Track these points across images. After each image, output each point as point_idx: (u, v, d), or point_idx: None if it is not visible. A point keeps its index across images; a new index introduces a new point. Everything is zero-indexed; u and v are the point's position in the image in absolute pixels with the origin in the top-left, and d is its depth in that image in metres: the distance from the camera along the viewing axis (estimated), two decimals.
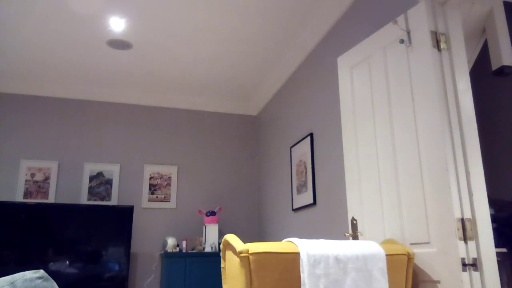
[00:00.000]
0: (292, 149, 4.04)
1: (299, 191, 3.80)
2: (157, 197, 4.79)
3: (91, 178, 4.64)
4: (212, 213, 4.54)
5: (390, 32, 2.30)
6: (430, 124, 2.00)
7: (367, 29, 2.84)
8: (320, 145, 3.46)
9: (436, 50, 2.06)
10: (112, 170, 4.72)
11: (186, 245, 4.48)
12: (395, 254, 1.85)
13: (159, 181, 4.84)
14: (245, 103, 5.32)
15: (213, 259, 4.29)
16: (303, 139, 3.78)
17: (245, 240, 4.87)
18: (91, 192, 4.60)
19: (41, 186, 4.47)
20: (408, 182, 2.09)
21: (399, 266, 1.85)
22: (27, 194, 4.42)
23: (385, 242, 2.12)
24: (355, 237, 2.37)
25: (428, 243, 1.94)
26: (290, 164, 4.10)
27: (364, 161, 2.41)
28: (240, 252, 1.59)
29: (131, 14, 3.42)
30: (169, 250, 4.33)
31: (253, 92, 5.03)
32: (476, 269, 1.81)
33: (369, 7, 2.87)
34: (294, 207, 3.87)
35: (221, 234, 4.78)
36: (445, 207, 1.87)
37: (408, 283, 1.87)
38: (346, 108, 2.61)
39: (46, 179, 4.51)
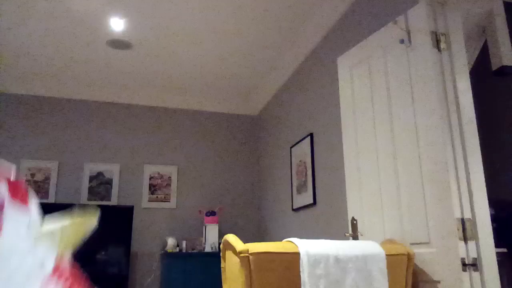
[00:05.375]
0: (292, 149, 4.03)
1: (299, 191, 3.80)
2: (157, 197, 4.79)
3: (91, 178, 4.64)
4: (212, 213, 4.54)
5: (390, 32, 2.30)
6: (430, 124, 2.00)
7: (367, 29, 2.84)
8: (320, 145, 3.46)
9: (436, 50, 2.06)
10: (112, 170, 4.71)
11: (186, 245, 4.48)
12: (395, 254, 1.85)
13: (159, 181, 4.84)
14: (245, 103, 5.32)
15: (213, 259, 4.29)
16: (303, 139, 3.78)
17: (245, 240, 4.86)
18: (91, 192, 4.60)
19: (41, 186, 4.47)
20: (408, 182, 2.09)
21: (399, 266, 1.85)
22: None
23: (385, 242, 2.12)
24: (355, 237, 2.37)
25: (428, 243, 1.94)
26: (290, 164, 4.10)
27: (364, 161, 2.41)
28: (240, 252, 1.59)
29: (131, 14, 3.42)
30: (169, 250, 4.33)
31: (253, 92, 5.03)
32: (476, 269, 1.81)
33: (369, 7, 2.87)
34: (294, 207, 3.87)
35: (221, 234, 4.78)
36: (445, 207, 1.87)
37: (408, 283, 1.87)
38: (346, 108, 2.61)
39: (46, 179, 4.51)
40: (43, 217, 0.79)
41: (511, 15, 2.68)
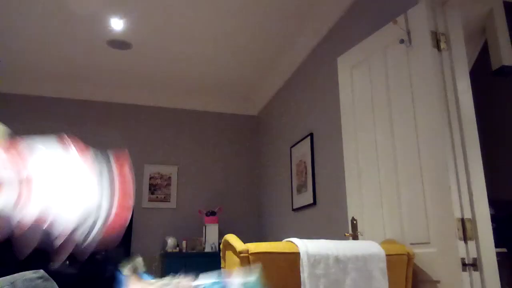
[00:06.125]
0: (292, 149, 4.03)
1: (299, 191, 3.79)
2: (157, 197, 4.79)
3: None
4: (212, 213, 4.53)
5: (390, 32, 2.30)
6: (430, 124, 2.00)
7: (367, 29, 2.84)
8: (320, 145, 3.46)
9: (436, 50, 2.06)
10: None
11: (186, 245, 4.47)
12: (395, 254, 1.85)
13: (159, 181, 4.84)
14: (245, 103, 5.32)
15: (213, 259, 4.28)
16: (303, 139, 3.78)
17: (245, 240, 4.85)
18: None
19: None
20: (408, 182, 2.09)
21: (399, 266, 1.85)
22: None
23: (385, 242, 2.12)
24: (355, 237, 2.37)
25: (428, 243, 1.94)
26: (290, 164, 4.10)
27: (364, 161, 2.41)
28: (240, 252, 1.59)
29: (131, 14, 3.42)
30: (169, 250, 4.33)
31: (253, 92, 5.03)
32: (476, 269, 1.81)
33: (369, 7, 2.87)
34: (294, 207, 3.87)
35: (221, 234, 4.77)
36: (445, 207, 1.87)
37: (408, 283, 1.87)
38: (346, 108, 2.61)
39: None
40: None
41: (511, 15, 2.68)
